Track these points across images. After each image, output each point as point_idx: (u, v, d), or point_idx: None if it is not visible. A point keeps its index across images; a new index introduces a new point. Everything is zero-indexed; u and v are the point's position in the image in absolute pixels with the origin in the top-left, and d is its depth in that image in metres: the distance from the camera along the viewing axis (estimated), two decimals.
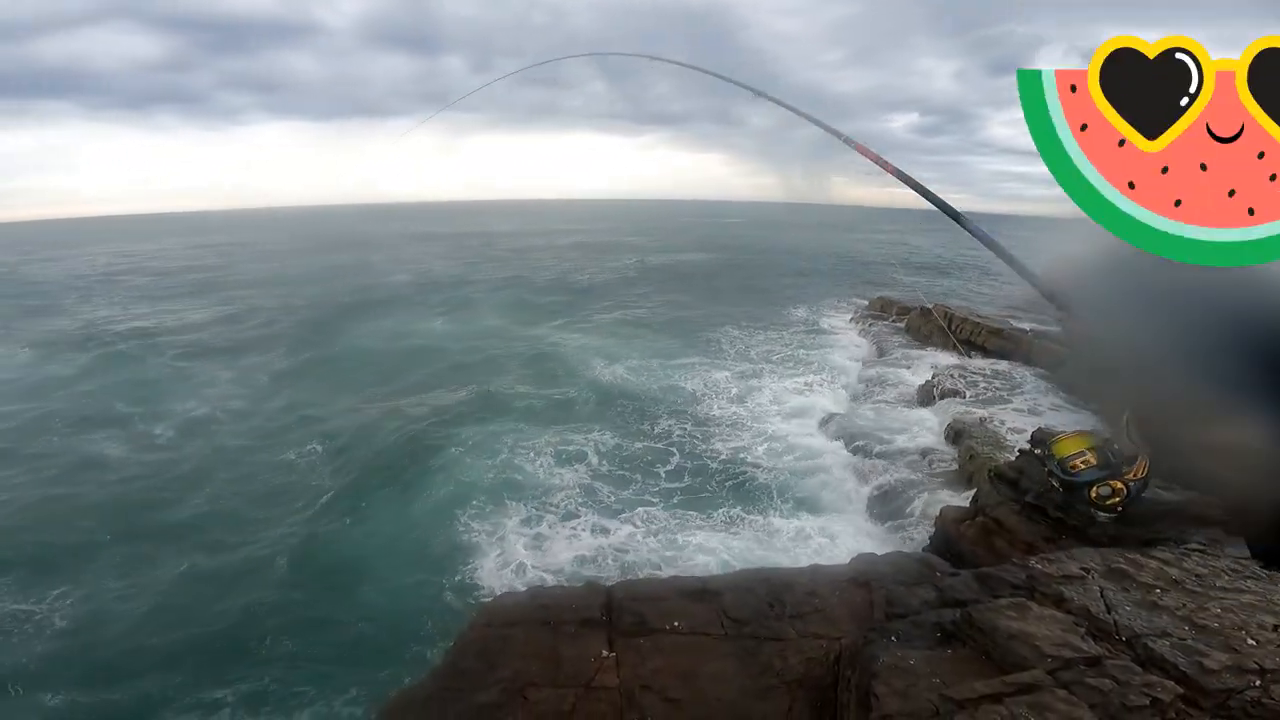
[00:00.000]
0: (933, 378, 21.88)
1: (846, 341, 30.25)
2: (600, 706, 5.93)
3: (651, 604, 7.59)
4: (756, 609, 7.44)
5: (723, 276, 51.05)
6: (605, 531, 12.58)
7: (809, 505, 14.20)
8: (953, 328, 25.80)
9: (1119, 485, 1.51)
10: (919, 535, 12.94)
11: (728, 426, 19.08)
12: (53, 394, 21.86)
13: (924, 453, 16.76)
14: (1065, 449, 1.56)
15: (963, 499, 13.67)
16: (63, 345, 28.93)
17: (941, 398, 20.14)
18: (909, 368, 24.57)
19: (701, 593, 7.84)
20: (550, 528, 12.74)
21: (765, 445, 17.51)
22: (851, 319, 35.14)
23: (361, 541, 12.49)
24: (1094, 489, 1.56)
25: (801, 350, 28.52)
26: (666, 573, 10.87)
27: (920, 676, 5.27)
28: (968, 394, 20.15)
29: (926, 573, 8.16)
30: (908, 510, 14.73)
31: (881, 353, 27.84)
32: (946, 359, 24.27)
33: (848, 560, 9.31)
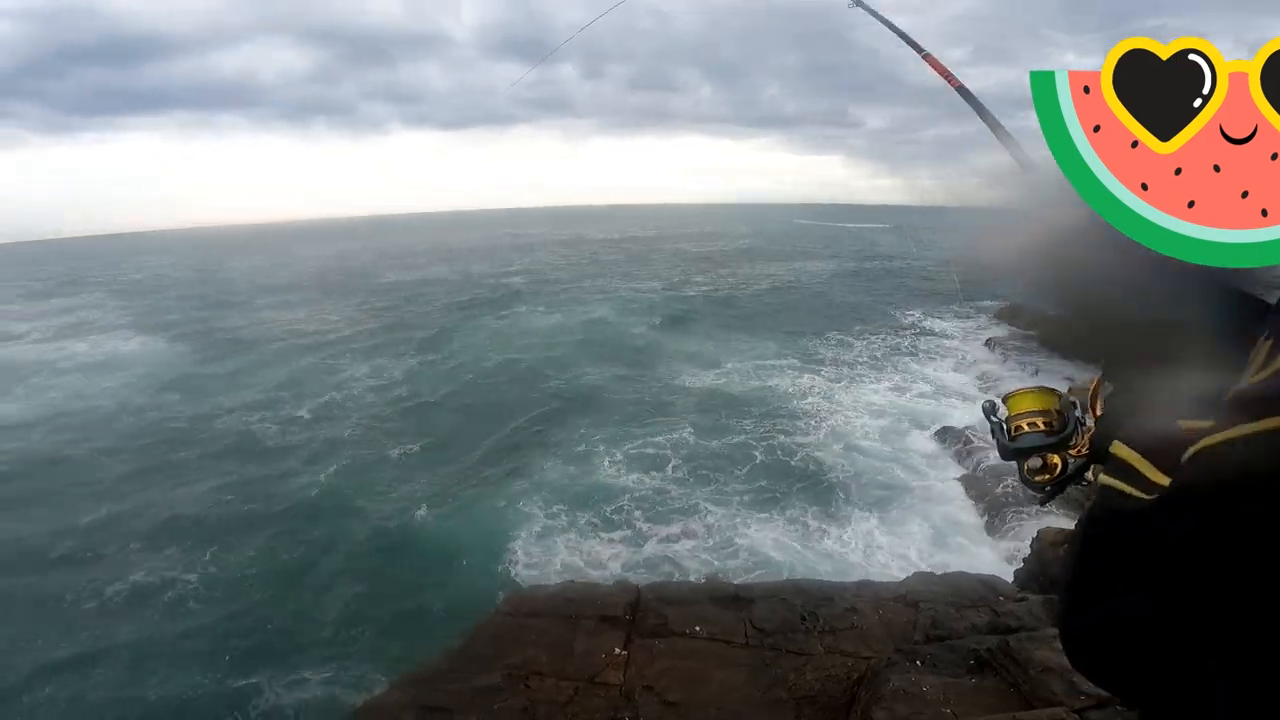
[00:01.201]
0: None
1: (964, 349, 28.18)
2: (597, 702, 5.81)
3: (679, 607, 7.38)
4: (786, 620, 7.04)
5: (837, 282, 49.19)
6: (665, 532, 12.39)
7: (892, 518, 13.28)
8: None
9: (1055, 460, 1.19)
10: (1018, 557, 11.79)
11: (817, 431, 18.28)
12: (223, 382, 24.73)
13: None
14: (1016, 405, 1.27)
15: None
16: (229, 343, 32.55)
17: None
18: (1035, 377, 22.52)
19: (733, 600, 7.54)
20: (611, 525, 12.72)
21: (855, 453, 16.60)
22: (976, 326, 32.74)
23: (435, 528, 13.10)
24: (1027, 459, 1.25)
25: (908, 358, 26.88)
26: (719, 576, 10.58)
27: (929, 704, 4.76)
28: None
29: (988, 596, 7.40)
30: (1014, 531, 13.50)
31: (1004, 361, 25.79)
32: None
33: (903, 576, 8.67)
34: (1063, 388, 1.50)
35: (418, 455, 16.89)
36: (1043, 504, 1.52)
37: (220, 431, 19.05)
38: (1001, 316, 32.81)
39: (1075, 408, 1.44)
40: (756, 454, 16.51)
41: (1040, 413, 1.46)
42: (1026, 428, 1.45)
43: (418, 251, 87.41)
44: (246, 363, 28.23)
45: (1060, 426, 1.44)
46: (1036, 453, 1.42)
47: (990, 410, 1.54)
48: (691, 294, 43.24)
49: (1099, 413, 1.31)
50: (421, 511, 13.69)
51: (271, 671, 8.90)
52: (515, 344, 29.04)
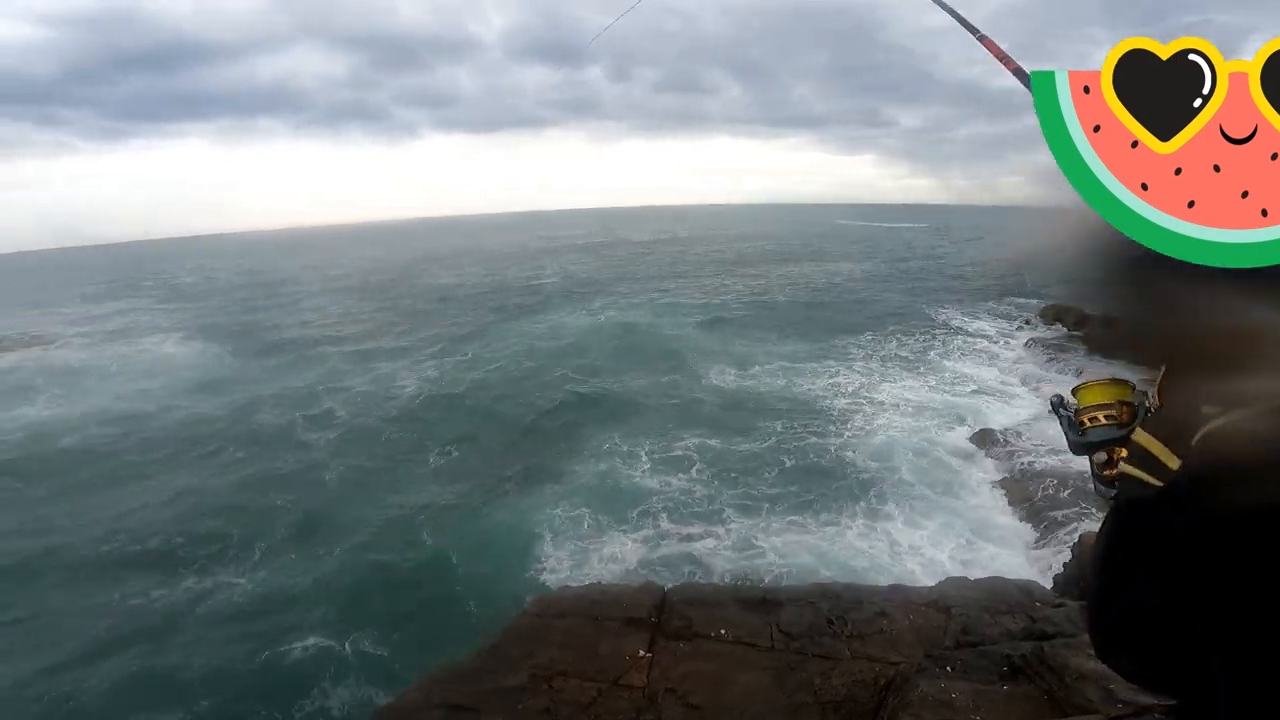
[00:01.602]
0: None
1: (1003, 350, 27.51)
2: (621, 704, 5.79)
3: (704, 609, 7.32)
4: (813, 624, 6.93)
5: (874, 282, 48.44)
6: (690, 533, 12.31)
7: (924, 520, 12.99)
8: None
9: (1121, 454, 1.12)
10: (1058, 562, 11.46)
11: (849, 431, 18.00)
12: (263, 383, 25.43)
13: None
14: (1086, 398, 1.20)
15: None
16: (268, 344, 33.42)
17: None
18: (1079, 377, 21.82)
19: (761, 603, 7.45)
20: (637, 526, 12.67)
21: (888, 454, 16.28)
22: (1016, 327, 31.94)
23: (463, 528, 13.21)
24: (1096, 453, 1.19)
25: (945, 357, 26.32)
26: (747, 579, 10.49)
27: (958, 711, 4.63)
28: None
29: (1024, 602, 7.19)
30: (1054, 535, 13.13)
31: (1047, 362, 25.09)
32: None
33: (935, 581, 8.47)
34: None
35: (449, 455, 17.10)
36: (1112, 500, 1.46)
37: (258, 431, 19.56)
38: (1044, 316, 31.97)
39: (1147, 398, 1.38)
40: (786, 455, 16.32)
41: (1109, 405, 1.41)
42: (1098, 420, 1.40)
43: (451, 254, 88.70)
44: (285, 362, 28.94)
45: (1130, 419, 1.38)
46: (1104, 446, 1.38)
47: (1059, 404, 1.50)
48: (725, 295, 43.04)
49: (1162, 404, 1.26)
50: (450, 510, 13.88)
51: (300, 666, 9.11)
52: (546, 346, 29.25)
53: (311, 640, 9.64)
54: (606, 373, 24.54)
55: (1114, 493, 1.36)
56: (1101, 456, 1.38)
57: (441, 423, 19.70)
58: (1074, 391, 1.49)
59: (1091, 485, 1.41)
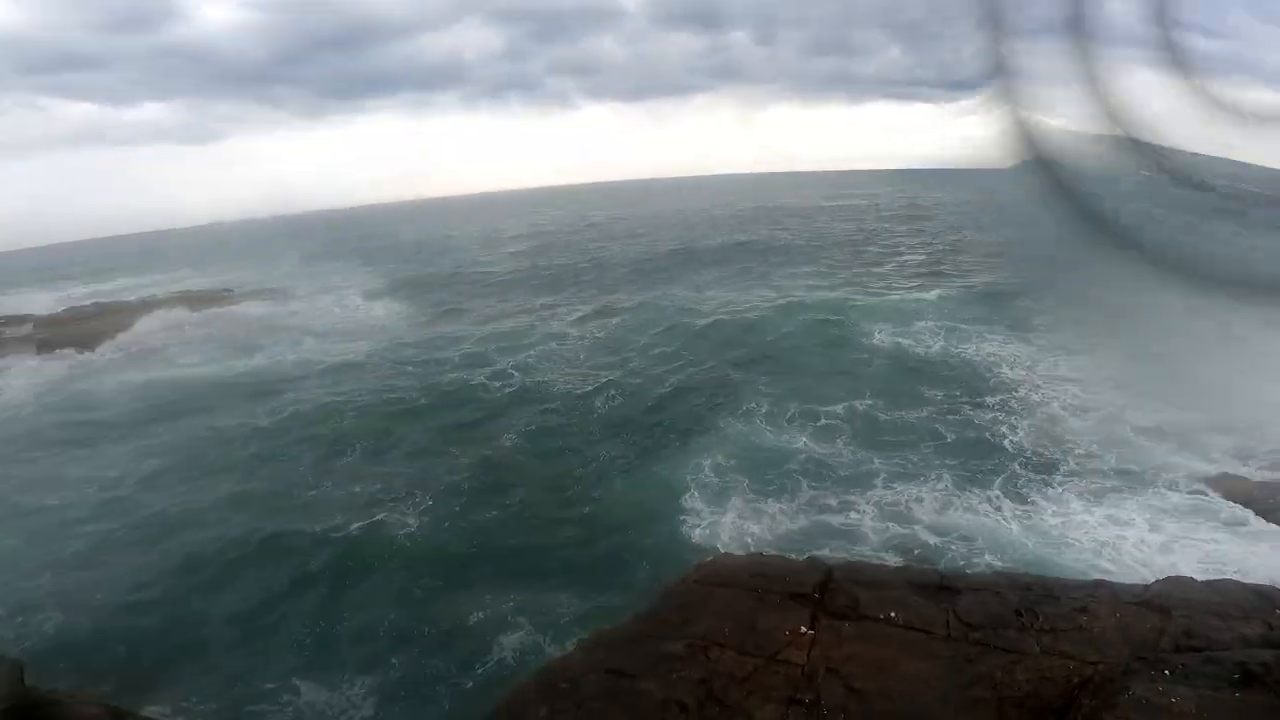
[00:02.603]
0: None
1: None
2: (777, 680, 5.64)
3: (872, 590, 6.95)
4: (997, 615, 6.35)
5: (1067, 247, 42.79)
6: (849, 504, 11.62)
7: (1117, 509, 11.34)
8: None
9: None
10: None
11: (1025, 402, 16.14)
12: (446, 337, 27.68)
13: None
14: None
15: None
16: (452, 307, 35.82)
17: None
18: None
19: (937, 589, 6.95)
20: (793, 495, 12.14)
21: (1063, 432, 14.36)
22: None
23: (621, 479, 13.80)
24: None
25: None
26: (904, 558, 9.81)
27: (1176, 717, 4.01)
28: None
29: (1262, 607, 6.10)
30: None
31: None
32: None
33: (1153, 580, 7.38)
34: None
35: (609, 412, 17.45)
36: None
37: (443, 384, 20.98)
38: None
39: None
40: (946, 426, 14.95)
41: None
42: None
43: (609, 220, 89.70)
44: (468, 322, 31.01)
45: None
46: None
47: None
48: (899, 260, 40.11)
49: None
50: (611, 467, 14.32)
51: (472, 613, 9.66)
52: (712, 309, 28.83)
53: (476, 590, 10.18)
54: (769, 337, 23.74)
55: None
56: None
57: (602, 381, 19.88)
58: None
59: None
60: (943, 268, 36.56)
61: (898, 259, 40.56)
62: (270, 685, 8.81)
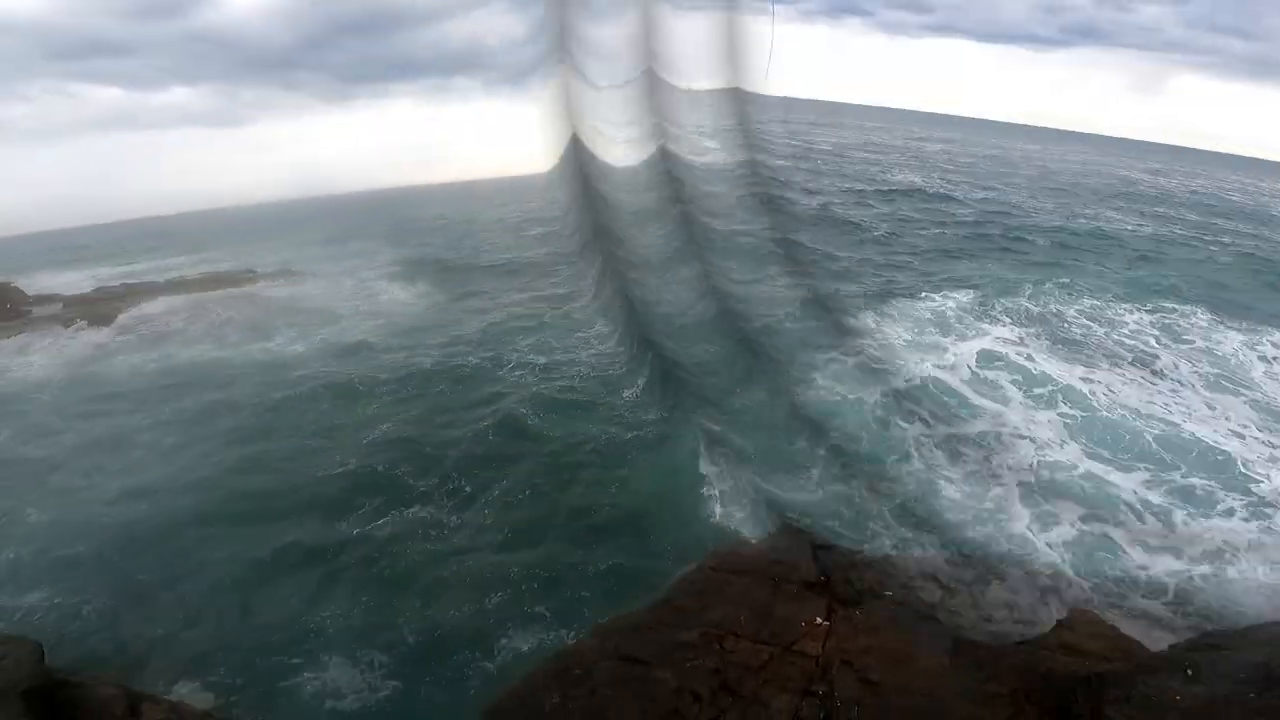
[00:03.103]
0: None
1: None
2: (792, 671, 5.69)
3: (888, 577, 6.96)
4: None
5: None
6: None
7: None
8: None
9: None
10: None
11: None
12: (464, 323, 27.79)
13: None
14: None
15: None
16: (473, 290, 35.90)
17: None
18: None
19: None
20: (804, 473, 12.13)
21: None
22: None
23: (641, 463, 13.90)
24: None
25: None
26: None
27: (1191, 714, 3.99)
28: None
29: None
30: None
31: None
32: None
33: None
34: None
35: (631, 395, 17.48)
36: None
37: (460, 369, 21.06)
38: None
39: None
40: None
41: None
42: None
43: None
44: (489, 303, 31.05)
45: None
46: None
47: None
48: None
49: None
50: (629, 446, 14.56)
51: (488, 598, 9.76)
52: None
53: (500, 570, 10.39)
54: None
55: None
56: None
57: (621, 364, 19.96)
58: None
59: None
60: None
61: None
62: (296, 660, 8.97)
